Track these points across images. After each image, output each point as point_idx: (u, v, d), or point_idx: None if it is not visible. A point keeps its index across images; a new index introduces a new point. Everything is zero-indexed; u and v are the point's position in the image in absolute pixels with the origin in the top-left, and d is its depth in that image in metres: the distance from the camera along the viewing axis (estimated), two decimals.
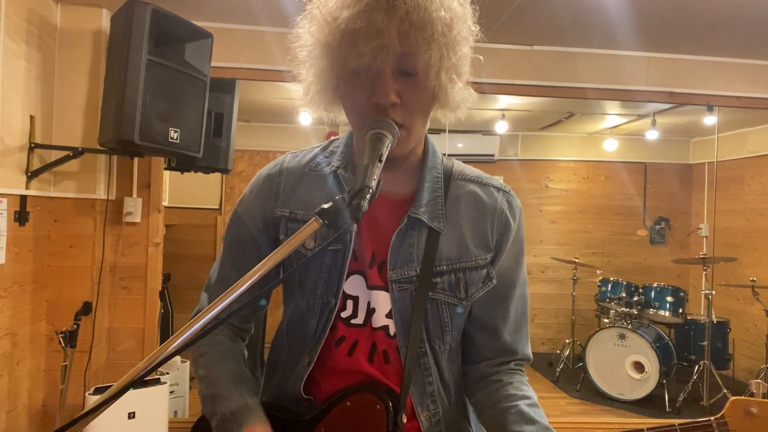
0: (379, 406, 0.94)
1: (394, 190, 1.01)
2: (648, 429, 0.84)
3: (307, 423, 0.99)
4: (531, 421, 0.94)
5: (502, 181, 1.09)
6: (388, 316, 0.99)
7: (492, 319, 1.04)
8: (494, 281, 1.01)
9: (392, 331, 0.98)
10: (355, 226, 0.97)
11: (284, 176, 1.05)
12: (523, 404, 0.97)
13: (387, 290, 0.98)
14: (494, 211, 1.02)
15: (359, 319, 1.00)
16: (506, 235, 1.02)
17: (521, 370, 1.06)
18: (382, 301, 0.99)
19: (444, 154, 1.09)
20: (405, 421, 0.95)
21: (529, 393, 1.00)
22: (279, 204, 1.03)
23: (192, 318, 1.04)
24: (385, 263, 0.98)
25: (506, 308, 1.04)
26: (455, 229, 1.00)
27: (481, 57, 0.96)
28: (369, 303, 0.99)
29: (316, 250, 0.97)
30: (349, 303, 1.00)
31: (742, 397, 0.79)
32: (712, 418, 0.81)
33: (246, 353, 1.09)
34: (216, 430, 0.95)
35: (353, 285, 1.00)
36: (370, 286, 0.99)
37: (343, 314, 1.00)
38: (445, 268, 0.98)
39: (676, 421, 0.82)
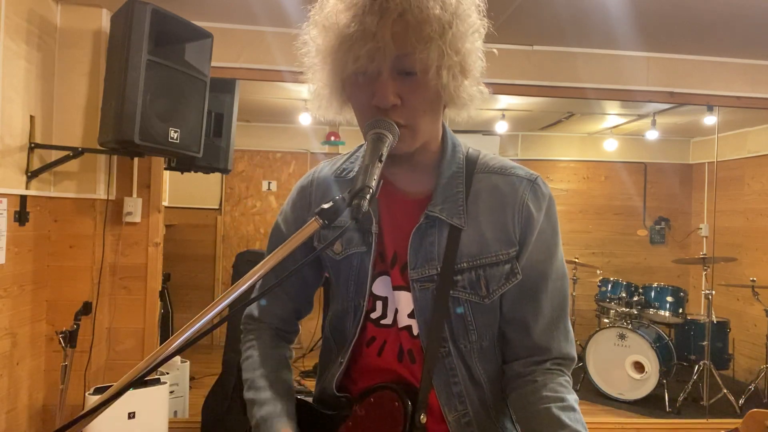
0: (397, 404, 0.95)
1: (413, 190, 1.01)
2: None
3: (341, 417, 1.02)
4: (561, 425, 0.89)
5: (528, 170, 1.03)
6: (411, 316, 0.99)
7: (523, 315, 0.98)
8: (519, 276, 0.96)
9: (415, 331, 0.99)
10: (376, 227, 0.99)
11: (314, 186, 1.09)
12: (555, 407, 0.91)
13: (408, 290, 0.98)
14: (515, 203, 0.97)
15: (388, 320, 1.01)
16: (530, 226, 0.97)
17: (560, 370, 0.98)
18: (405, 301, 0.99)
19: (470, 147, 1.06)
20: (424, 420, 0.94)
21: (564, 395, 0.93)
22: (311, 213, 1.04)
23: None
24: (407, 263, 0.98)
25: (538, 304, 0.98)
26: (476, 224, 0.97)
27: (495, 51, 0.94)
28: (394, 303, 1.01)
29: (314, 252, 1.00)
30: (378, 304, 1.02)
31: (760, 410, 0.75)
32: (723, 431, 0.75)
33: (292, 355, 1.14)
34: None
35: (381, 286, 1.01)
36: (394, 287, 1.00)
37: (373, 315, 1.02)
38: (465, 265, 0.96)
39: None
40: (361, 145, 1.09)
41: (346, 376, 1.04)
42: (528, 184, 0.99)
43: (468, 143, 1.08)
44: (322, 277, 1.13)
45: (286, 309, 1.12)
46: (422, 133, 0.93)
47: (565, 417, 0.90)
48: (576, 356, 1.01)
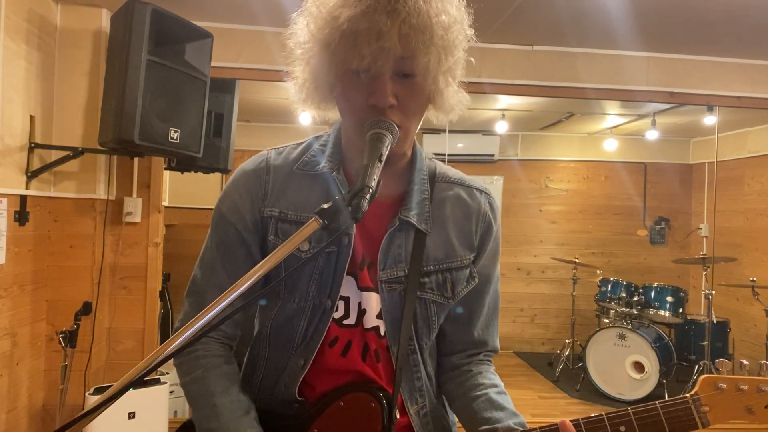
0: (373, 405, 0.95)
1: (383, 192, 0.99)
2: (632, 410, 0.89)
3: (300, 425, 0.97)
4: (500, 407, 0.98)
5: (482, 182, 1.14)
6: (379, 316, 0.99)
7: (467, 314, 1.07)
8: (476, 280, 1.05)
9: (382, 331, 1.00)
10: (354, 228, 0.97)
11: (272, 174, 1.02)
12: (492, 392, 1.01)
13: (377, 291, 0.99)
14: (478, 213, 1.06)
15: (351, 320, 1.00)
16: (488, 235, 1.06)
17: (489, 361, 1.11)
18: (373, 302, 0.99)
19: (428, 158, 1.10)
20: (398, 416, 0.97)
21: (497, 382, 1.05)
22: (268, 203, 1.00)
23: (179, 323, 1.00)
24: (375, 264, 0.98)
25: (481, 303, 1.08)
26: (441, 230, 1.02)
27: (472, 59, 0.96)
28: (360, 304, 0.99)
29: (312, 252, 0.97)
30: (341, 304, 1.00)
31: (712, 375, 0.89)
32: (687, 395, 0.88)
33: (238, 371, 1.04)
34: None
35: (345, 286, 0.99)
36: (361, 287, 0.99)
37: (335, 315, 1.00)
38: (432, 268, 1.00)
39: (657, 402, 0.89)
40: (320, 136, 1.08)
41: (303, 377, 0.98)
42: (486, 197, 1.09)
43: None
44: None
45: (232, 306, 1.03)
46: (411, 135, 0.96)
47: (501, 400, 1.00)
48: (499, 348, 1.13)
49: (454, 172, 1.10)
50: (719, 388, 0.87)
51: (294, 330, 0.99)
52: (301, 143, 1.08)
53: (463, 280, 1.03)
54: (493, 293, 1.10)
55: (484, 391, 1.01)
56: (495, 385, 1.03)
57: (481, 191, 1.08)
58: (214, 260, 1.02)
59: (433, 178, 1.06)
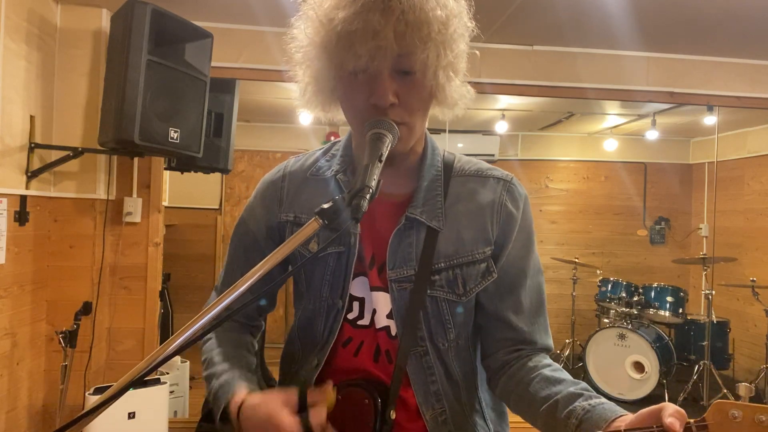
0: (367, 401, 0.95)
1: (393, 191, 1.00)
2: (626, 429, 0.81)
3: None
4: (557, 381, 0.91)
5: (503, 170, 1.07)
6: (389, 316, 0.99)
7: (504, 310, 1.01)
8: (495, 275, 1.00)
9: (393, 331, 0.99)
10: (358, 227, 0.97)
11: (287, 181, 1.06)
12: (546, 371, 0.94)
13: (386, 290, 0.98)
14: (493, 204, 1.01)
15: (365, 321, 1.00)
16: (510, 225, 1.00)
17: (543, 355, 1.03)
18: (383, 302, 0.99)
19: (445, 151, 1.08)
20: (394, 416, 0.95)
21: (551, 363, 0.97)
22: (283, 209, 1.04)
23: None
24: (385, 264, 0.98)
25: (518, 298, 1.02)
26: (454, 226, 0.99)
27: (477, 52, 0.96)
28: (372, 304, 1.00)
29: (316, 251, 0.98)
30: (356, 304, 1.01)
31: (726, 401, 0.78)
32: (691, 421, 0.77)
33: (255, 345, 1.10)
34: (212, 406, 0.96)
35: (358, 287, 1.00)
36: (372, 288, 1.00)
37: (350, 316, 1.01)
38: (443, 265, 0.98)
39: (654, 425, 0.78)
40: (335, 142, 1.09)
41: (316, 378, 1.01)
42: (504, 185, 1.03)
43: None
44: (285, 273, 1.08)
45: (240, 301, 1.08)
46: (417, 130, 0.95)
47: (557, 374, 0.93)
48: (553, 346, 1.04)
49: (471, 165, 1.06)
50: (732, 417, 0.76)
51: (315, 330, 1.02)
52: (319, 150, 1.10)
53: (476, 275, 0.98)
54: (534, 287, 1.03)
55: (536, 373, 0.94)
56: (549, 365, 0.96)
57: (498, 180, 1.03)
58: (232, 263, 1.11)
59: (450, 172, 1.03)
